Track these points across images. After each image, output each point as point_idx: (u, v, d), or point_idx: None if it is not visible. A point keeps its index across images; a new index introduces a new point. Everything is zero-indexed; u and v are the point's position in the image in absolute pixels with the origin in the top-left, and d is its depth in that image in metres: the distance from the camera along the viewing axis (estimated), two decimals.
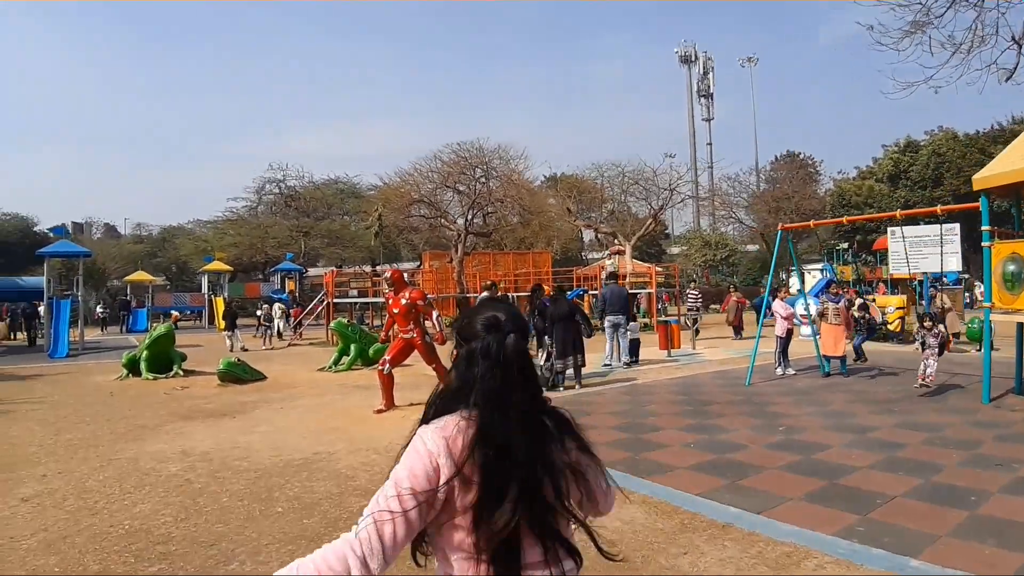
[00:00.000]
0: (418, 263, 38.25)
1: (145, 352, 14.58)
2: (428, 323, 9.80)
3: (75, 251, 25.22)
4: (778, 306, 12.31)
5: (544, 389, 9.87)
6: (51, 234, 28.35)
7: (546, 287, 13.51)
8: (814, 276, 54.82)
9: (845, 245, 41.25)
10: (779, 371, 12.04)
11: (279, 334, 24.95)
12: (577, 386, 10.92)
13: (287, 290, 37.25)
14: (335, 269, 24.78)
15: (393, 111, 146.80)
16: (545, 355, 11.40)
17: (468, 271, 29.39)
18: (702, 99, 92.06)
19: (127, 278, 38.32)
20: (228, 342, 21.41)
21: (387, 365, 9.34)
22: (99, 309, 35.00)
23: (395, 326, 9.69)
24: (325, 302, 24.74)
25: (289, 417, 9.29)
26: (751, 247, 54.50)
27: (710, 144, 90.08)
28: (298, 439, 7.79)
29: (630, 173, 38.96)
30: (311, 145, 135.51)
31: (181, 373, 14.53)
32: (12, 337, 24.46)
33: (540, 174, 44.25)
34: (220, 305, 32.29)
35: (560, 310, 10.75)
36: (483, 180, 30.19)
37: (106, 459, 7.13)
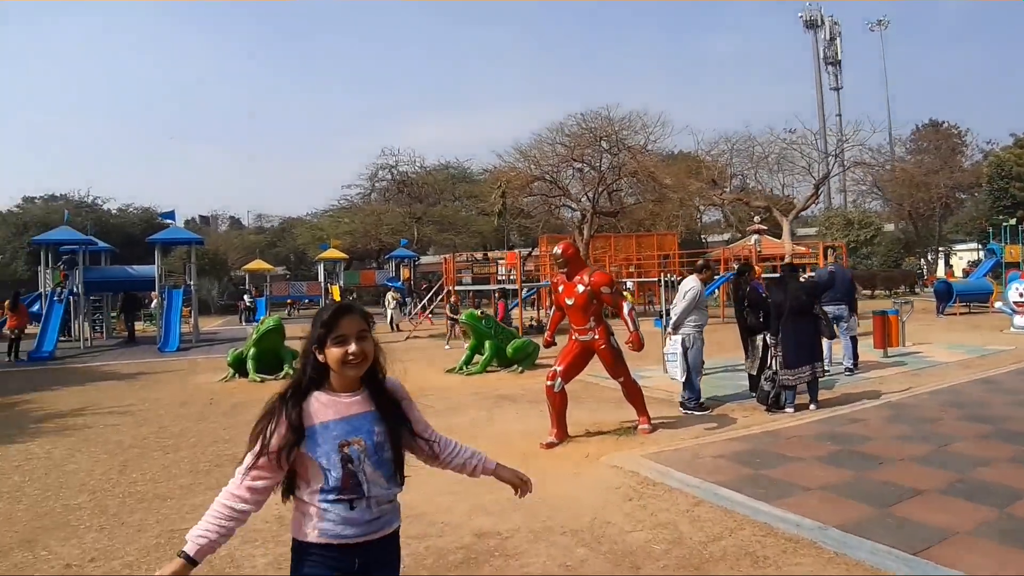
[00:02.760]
0: (530, 249, 35.70)
1: (252, 350, 12.64)
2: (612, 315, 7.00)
3: (186, 237, 24.27)
4: None
5: (765, 407, 7.53)
6: (161, 220, 27.55)
7: (756, 267, 10.39)
8: (961, 258, 48.09)
9: (1014, 220, 35.01)
10: None
11: (395, 326, 23.01)
12: (812, 406, 7.78)
13: (402, 278, 35.65)
14: (453, 254, 22.33)
15: (508, 98, 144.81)
16: (757, 362, 8.31)
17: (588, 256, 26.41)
18: (829, 67, 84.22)
19: (244, 267, 38.03)
20: None
21: (558, 379, 6.59)
22: (246, 299, 34.61)
23: (566, 322, 6.92)
24: (446, 290, 22.50)
25: None
26: (887, 227, 48.29)
27: (839, 115, 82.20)
28: (446, 496, 5.14)
29: (764, 144, 34.66)
30: (429, 134, 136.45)
31: (292, 373, 12.45)
32: (127, 331, 23.54)
33: (673, 145, 40.02)
34: (336, 294, 30.98)
35: (792, 299, 7.61)
36: (614, 152, 26.97)
37: (167, 529, 4.76)
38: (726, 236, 52.06)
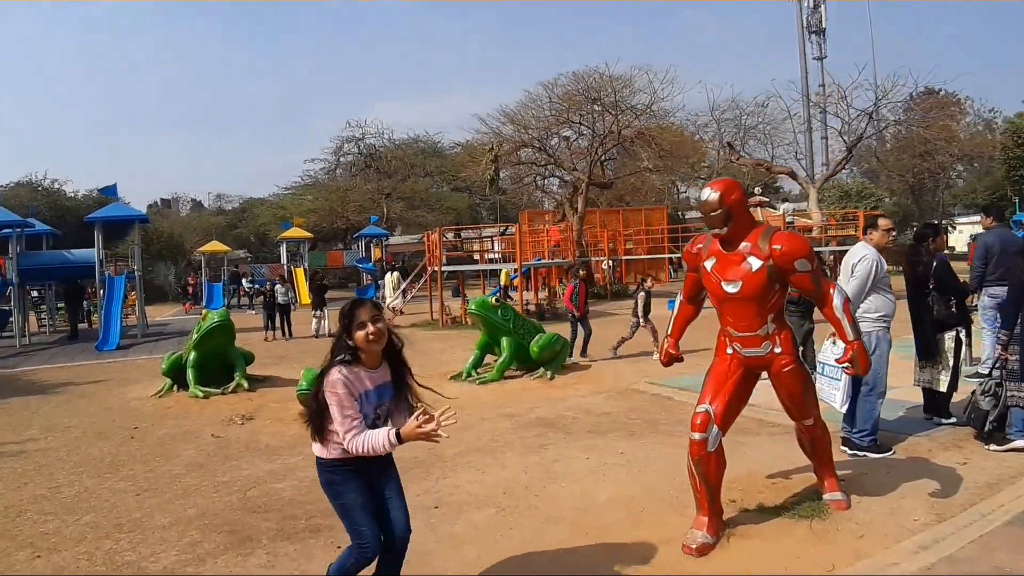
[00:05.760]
0: (505, 227, 32.62)
1: (193, 354, 9.53)
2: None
3: (129, 215, 20.71)
4: None
5: (983, 440, 5.12)
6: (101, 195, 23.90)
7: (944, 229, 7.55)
8: (961, 232, 46.51)
9: None
10: None
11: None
12: (1021, 442, 5.06)
13: (373, 258, 32.43)
14: (440, 229, 19.16)
15: (476, 76, 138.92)
16: (947, 373, 5.53)
17: (554, 234, 23.34)
18: (812, 36, 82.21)
19: (200, 249, 34.43)
20: (315, 324, 16.46)
21: (712, 427, 3.68)
22: (245, 283, 30.97)
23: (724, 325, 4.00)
24: (429, 271, 19.44)
25: (446, 533, 3.94)
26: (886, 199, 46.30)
27: (823, 86, 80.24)
28: None
29: (753, 112, 32.12)
30: (396, 113, 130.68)
31: (245, 385, 9.44)
32: (70, 326, 19.91)
33: (682, 105, 37.18)
34: (301, 277, 27.71)
35: None
36: (614, 113, 23.94)
37: None
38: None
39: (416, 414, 2.81)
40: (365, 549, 2.88)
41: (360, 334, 2.81)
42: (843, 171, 30.11)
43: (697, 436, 3.67)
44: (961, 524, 3.80)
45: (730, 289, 3.69)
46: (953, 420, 5.70)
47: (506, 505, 4.48)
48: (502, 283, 21.55)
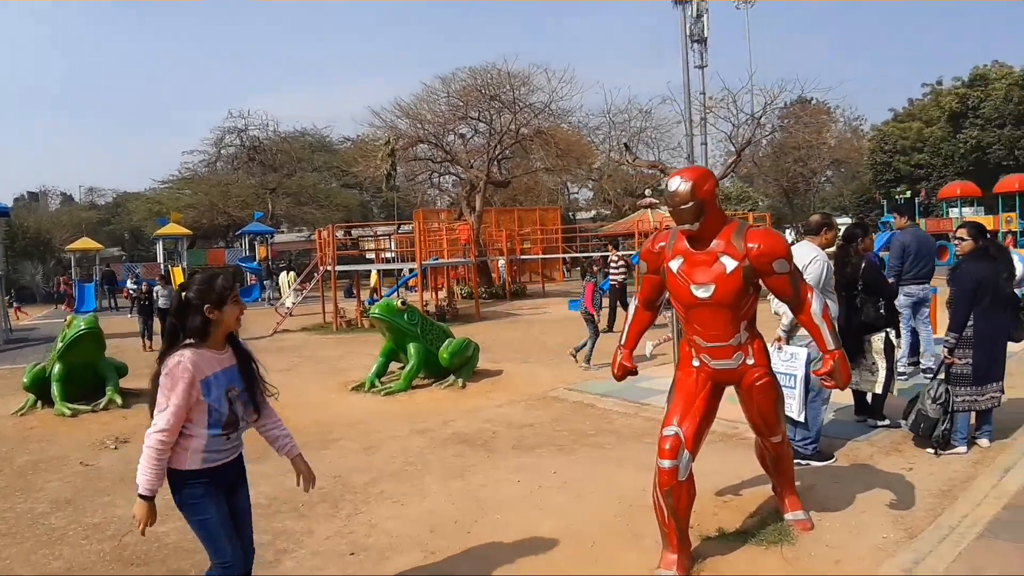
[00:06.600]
0: (397, 225, 31.53)
1: (57, 366, 8.25)
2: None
3: None
4: None
5: (934, 447, 4.84)
6: None
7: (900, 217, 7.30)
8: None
9: (908, 193, 35.81)
10: None
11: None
12: (984, 440, 5.00)
13: (258, 257, 30.52)
14: (332, 227, 18.00)
15: (366, 70, 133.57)
16: (880, 375, 5.38)
17: (462, 232, 22.74)
18: (695, 45, 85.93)
19: (70, 246, 31.20)
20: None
21: (683, 452, 3.18)
22: (130, 284, 27.72)
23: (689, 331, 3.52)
24: (322, 271, 18.25)
25: None
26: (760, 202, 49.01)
27: (703, 94, 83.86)
28: None
29: (640, 116, 32.99)
30: (281, 107, 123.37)
31: (118, 400, 8.28)
32: None
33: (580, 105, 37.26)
34: (179, 277, 25.63)
35: (999, 281, 4.67)
36: (513, 111, 23.58)
37: None
38: (592, 213, 51.01)
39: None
40: (229, 568, 2.66)
41: (233, 309, 2.64)
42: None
43: (667, 464, 3.18)
44: (934, 540, 3.54)
45: (701, 293, 3.23)
46: (887, 422, 5.59)
47: (435, 547, 3.83)
48: (372, 284, 20.52)
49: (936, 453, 4.84)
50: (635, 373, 3.74)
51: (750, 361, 3.35)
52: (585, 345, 9.66)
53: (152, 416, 2.57)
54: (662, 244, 3.42)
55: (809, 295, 3.28)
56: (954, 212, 32.58)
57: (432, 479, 5.06)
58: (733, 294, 3.19)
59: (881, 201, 37.90)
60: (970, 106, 38.17)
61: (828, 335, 3.25)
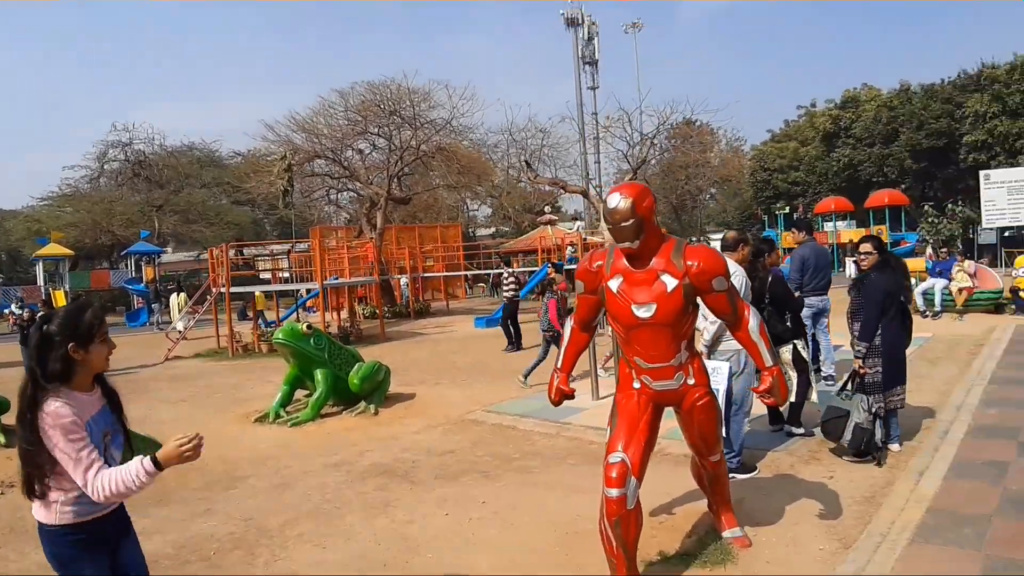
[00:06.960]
0: (292, 243, 30.38)
1: None
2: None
3: None
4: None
5: (852, 453, 4.97)
6: None
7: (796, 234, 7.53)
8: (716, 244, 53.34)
9: (788, 209, 38.14)
10: None
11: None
12: (895, 445, 5.22)
13: (145, 278, 28.62)
14: (226, 245, 17.05)
15: (255, 83, 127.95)
16: (792, 384, 5.53)
17: (370, 251, 22.23)
18: (587, 66, 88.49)
19: None
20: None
21: (630, 480, 3.07)
22: (14, 308, 24.69)
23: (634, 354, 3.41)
24: (216, 292, 17.20)
25: None
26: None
27: (595, 114, 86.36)
28: None
29: (537, 135, 33.56)
30: (166, 121, 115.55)
31: (1, 440, 7.41)
32: None
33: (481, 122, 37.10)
34: (61, 300, 23.70)
35: (899, 290, 4.89)
36: (414, 127, 23.30)
37: None
38: (491, 230, 51.30)
39: (177, 437, 2.27)
40: None
41: (101, 349, 2.36)
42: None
43: (615, 493, 3.05)
44: (870, 549, 3.60)
45: (642, 314, 3.14)
46: (802, 431, 5.75)
47: None
48: (258, 307, 19.28)
49: (878, 464, 4.96)
50: (572, 397, 3.61)
51: (691, 381, 3.30)
52: (535, 362, 9.43)
53: (24, 477, 2.31)
54: (599, 263, 3.32)
55: (746, 312, 3.27)
56: (828, 226, 35.01)
57: (354, 517, 4.73)
58: (675, 313, 3.13)
59: (763, 217, 40.11)
60: (842, 126, 41.13)
61: (766, 352, 3.25)
